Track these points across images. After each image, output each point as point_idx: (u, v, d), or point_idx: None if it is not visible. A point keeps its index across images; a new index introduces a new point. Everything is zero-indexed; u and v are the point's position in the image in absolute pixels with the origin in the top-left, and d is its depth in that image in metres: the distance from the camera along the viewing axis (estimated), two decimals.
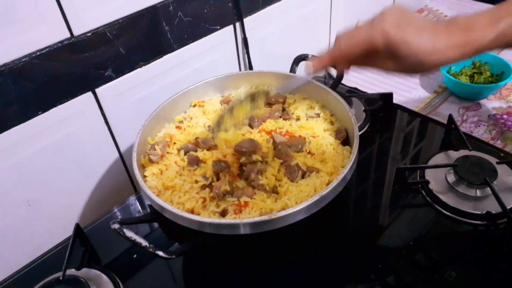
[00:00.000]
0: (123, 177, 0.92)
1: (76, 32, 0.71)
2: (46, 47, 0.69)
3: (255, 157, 0.65)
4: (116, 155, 0.88)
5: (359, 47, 0.54)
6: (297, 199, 0.60)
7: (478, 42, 0.51)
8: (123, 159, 0.90)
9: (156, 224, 0.82)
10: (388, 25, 0.52)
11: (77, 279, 0.68)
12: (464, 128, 0.97)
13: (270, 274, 0.72)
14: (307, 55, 0.82)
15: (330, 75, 1.10)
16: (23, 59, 0.67)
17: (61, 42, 0.70)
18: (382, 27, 0.52)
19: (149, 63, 0.83)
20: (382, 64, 0.55)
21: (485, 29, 0.51)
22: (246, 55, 1.01)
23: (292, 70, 0.85)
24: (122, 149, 0.88)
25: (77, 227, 0.75)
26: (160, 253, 0.50)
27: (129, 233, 0.52)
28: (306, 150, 0.68)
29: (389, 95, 0.99)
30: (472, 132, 0.96)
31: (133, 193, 0.94)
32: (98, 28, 0.73)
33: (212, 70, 0.96)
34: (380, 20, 0.52)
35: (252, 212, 0.59)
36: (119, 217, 0.85)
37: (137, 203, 0.88)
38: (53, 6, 0.67)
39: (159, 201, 0.57)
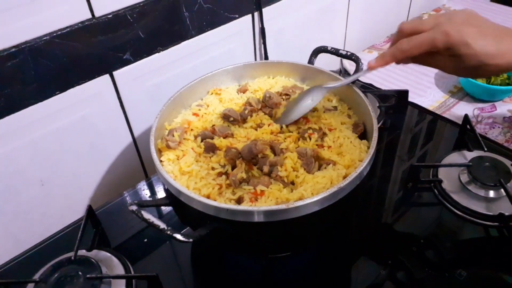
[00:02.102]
0: (135, 162, 0.93)
1: (97, 13, 0.71)
2: (67, 27, 0.69)
3: (263, 153, 0.65)
4: (129, 139, 0.88)
5: (421, 48, 0.56)
6: (313, 190, 0.60)
7: None
8: (136, 144, 0.90)
9: (165, 210, 0.83)
10: (450, 26, 0.54)
11: (88, 260, 0.68)
12: (479, 129, 0.96)
13: (281, 263, 0.72)
14: (327, 47, 0.82)
15: (345, 70, 1.09)
16: (44, 38, 0.67)
17: (82, 22, 0.70)
18: (444, 29, 0.54)
19: (167, 48, 0.83)
20: (443, 63, 0.57)
21: None
22: (262, 45, 1.01)
23: (311, 61, 0.84)
24: (136, 134, 0.88)
25: (90, 209, 0.75)
26: (178, 236, 0.51)
27: (147, 215, 0.52)
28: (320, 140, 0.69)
29: (405, 93, 0.99)
30: (486, 134, 0.95)
31: (144, 178, 0.94)
32: (119, 10, 0.73)
33: (228, 59, 0.95)
34: (444, 21, 0.55)
35: (268, 201, 0.59)
36: (129, 201, 0.85)
37: (148, 189, 0.88)
38: None
39: (177, 184, 0.57)
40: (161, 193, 0.87)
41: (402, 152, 0.94)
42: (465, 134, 0.91)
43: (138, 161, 0.93)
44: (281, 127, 0.72)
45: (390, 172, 0.89)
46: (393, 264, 0.68)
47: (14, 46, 0.64)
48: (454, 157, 0.85)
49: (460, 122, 0.93)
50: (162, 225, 0.51)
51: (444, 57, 0.56)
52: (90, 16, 0.70)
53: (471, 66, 0.54)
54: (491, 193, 0.77)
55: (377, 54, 1.24)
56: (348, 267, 0.72)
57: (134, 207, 0.53)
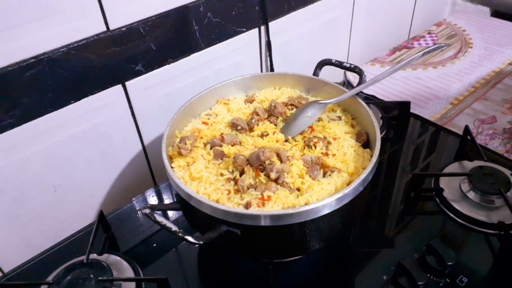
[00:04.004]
0: (145, 169, 0.95)
1: (112, 26, 0.74)
2: (83, 39, 0.72)
3: (270, 160, 0.68)
4: (139, 147, 0.91)
5: None
6: (318, 196, 0.62)
7: None
8: (146, 152, 0.93)
9: (172, 217, 0.85)
10: None
11: (100, 263, 0.70)
12: (479, 140, 0.99)
13: (286, 268, 0.74)
14: (331, 59, 0.85)
15: (348, 82, 1.12)
16: (62, 49, 0.70)
17: (97, 35, 0.73)
18: None
19: (177, 60, 0.86)
20: None
21: None
22: (268, 58, 1.04)
23: (315, 73, 0.87)
24: (145, 142, 0.91)
25: (101, 214, 0.77)
26: (189, 238, 0.53)
27: (159, 218, 0.54)
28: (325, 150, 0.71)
29: (407, 104, 1.01)
30: (486, 144, 0.98)
31: (152, 186, 0.96)
32: (132, 23, 0.77)
33: (235, 71, 0.99)
34: None
35: (274, 206, 0.61)
36: (138, 207, 0.88)
37: (156, 196, 0.91)
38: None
39: (187, 189, 0.59)
40: (168, 200, 0.90)
41: (404, 163, 0.96)
42: (465, 144, 0.93)
43: (147, 169, 0.96)
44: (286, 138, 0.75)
45: (393, 183, 0.91)
46: (395, 270, 0.70)
47: (33, 57, 0.68)
48: (455, 167, 0.87)
49: (461, 133, 0.95)
50: (174, 228, 0.54)
51: None
52: (105, 29, 0.74)
53: None
54: (491, 202, 0.78)
55: (380, 67, 1.27)
56: (352, 272, 0.74)
57: (147, 210, 0.55)
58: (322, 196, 0.62)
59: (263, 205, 0.61)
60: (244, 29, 0.95)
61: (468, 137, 0.92)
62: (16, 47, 0.65)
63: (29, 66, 0.68)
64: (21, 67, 0.67)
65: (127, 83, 0.81)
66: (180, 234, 0.53)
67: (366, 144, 0.74)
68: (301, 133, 0.75)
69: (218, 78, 0.91)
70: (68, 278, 0.68)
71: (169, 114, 0.77)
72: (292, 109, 0.82)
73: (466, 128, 0.93)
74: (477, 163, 0.86)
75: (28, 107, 0.71)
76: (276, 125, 0.78)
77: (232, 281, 0.74)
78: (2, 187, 0.74)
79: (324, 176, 0.67)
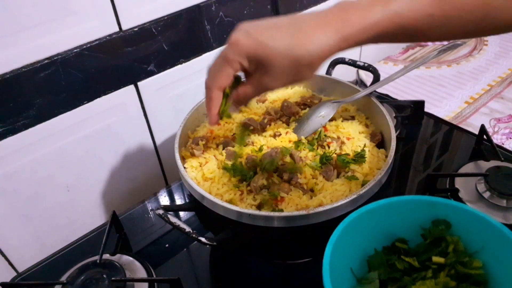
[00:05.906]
0: (156, 169, 0.95)
1: (124, 27, 0.74)
2: (96, 40, 0.72)
3: (283, 161, 0.67)
4: (151, 147, 0.91)
5: (228, 75, 0.51)
6: (332, 198, 0.61)
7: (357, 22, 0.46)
8: (158, 152, 0.93)
9: (183, 218, 0.85)
10: (238, 36, 0.49)
11: (113, 263, 0.70)
12: (495, 139, 0.97)
13: (298, 269, 0.73)
14: (344, 58, 0.84)
15: (361, 81, 1.11)
16: (75, 50, 0.70)
17: (110, 35, 0.73)
18: (232, 41, 0.49)
19: (189, 60, 0.86)
20: (261, 82, 0.50)
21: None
22: None
23: (328, 72, 0.87)
24: (157, 142, 0.91)
25: (114, 214, 0.78)
26: (203, 239, 0.53)
27: (173, 219, 0.54)
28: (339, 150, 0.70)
29: (421, 103, 1.00)
30: (503, 144, 0.96)
31: (164, 186, 0.96)
32: (145, 24, 0.76)
33: None
34: (230, 38, 0.50)
35: (288, 207, 0.60)
36: (150, 207, 0.88)
37: (168, 196, 0.91)
38: (106, 0, 0.70)
39: (200, 190, 0.59)
40: (179, 201, 0.89)
41: (417, 163, 0.95)
42: (481, 144, 0.92)
43: (159, 169, 0.96)
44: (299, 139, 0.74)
45: (405, 183, 0.90)
46: None
47: (47, 58, 0.68)
48: (471, 167, 0.86)
49: (476, 132, 0.93)
50: (188, 229, 0.54)
51: (257, 74, 0.50)
52: (117, 29, 0.74)
53: (285, 67, 0.47)
54: (508, 203, 0.77)
55: (393, 65, 1.26)
56: None
57: (160, 211, 0.55)
58: (336, 197, 0.61)
59: (277, 206, 0.61)
60: None
61: (484, 136, 0.91)
62: (30, 48, 0.66)
63: (43, 67, 0.68)
64: (35, 68, 0.67)
65: (140, 83, 0.81)
66: (194, 235, 0.53)
67: (381, 144, 0.73)
68: (314, 133, 0.74)
69: None
70: (82, 278, 0.68)
71: (181, 114, 0.77)
72: (304, 108, 0.81)
73: (482, 128, 0.91)
74: (493, 163, 0.84)
75: (42, 108, 0.71)
76: (288, 125, 0.77)
77: (244, 282, 0.74)
78: (16, 187, 0.75)
79: (338, 176, 0.66)
